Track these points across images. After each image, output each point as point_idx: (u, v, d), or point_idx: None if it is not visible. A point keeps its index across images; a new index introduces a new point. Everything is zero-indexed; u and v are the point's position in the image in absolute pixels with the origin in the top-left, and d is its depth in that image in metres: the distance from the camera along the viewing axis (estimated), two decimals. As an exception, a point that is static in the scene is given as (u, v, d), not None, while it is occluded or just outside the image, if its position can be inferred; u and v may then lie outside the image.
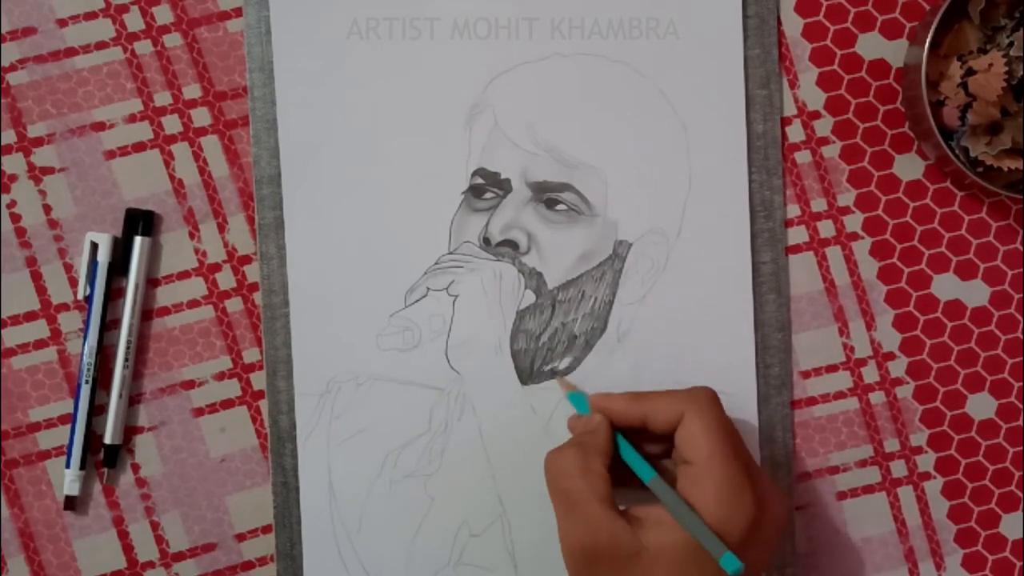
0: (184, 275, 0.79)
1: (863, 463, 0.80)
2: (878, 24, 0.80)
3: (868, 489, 0.80)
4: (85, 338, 0.78)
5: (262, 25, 0.78)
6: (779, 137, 0.79)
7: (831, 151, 0.80)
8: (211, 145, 0.79)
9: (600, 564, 0.67)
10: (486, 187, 0.78)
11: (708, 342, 0.79)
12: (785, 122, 0.80)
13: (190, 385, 0.79)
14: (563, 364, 0.78)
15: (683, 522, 0.66)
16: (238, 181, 0.79)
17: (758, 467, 0.70)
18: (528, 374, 0.78)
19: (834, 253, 0.80)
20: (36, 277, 0.79)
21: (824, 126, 0.80)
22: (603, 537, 0.66)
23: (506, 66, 0.78)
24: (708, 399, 0.70)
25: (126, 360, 0.78)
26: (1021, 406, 0.80)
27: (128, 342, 0.78)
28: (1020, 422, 0.80)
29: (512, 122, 0.78)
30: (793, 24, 0.80)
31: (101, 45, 0.78)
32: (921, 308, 0.80)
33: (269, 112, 0.78)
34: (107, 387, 0.78)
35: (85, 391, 0.78)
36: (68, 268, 0.79)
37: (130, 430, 0.79)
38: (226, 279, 0.79)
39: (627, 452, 0.71)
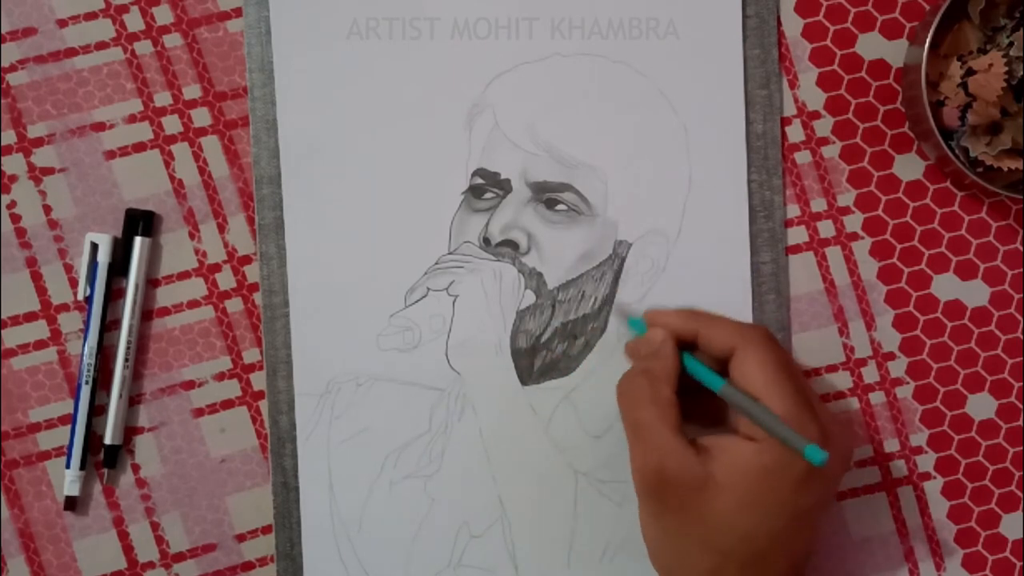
0: (184, 275, 0.79)
1: (863, 463, 0.80)
2: (878, 24, 0.80)
3: (868, 489, 0.80)
4: (85, 338, 0.78)
5: (262, 25, 0.78)
6: (779, 137, 0.79)
7: (831, 151, 0.80)
8: (211, 145, 0.79)
9: (668, 490, 0.67)
10: (486, 187, 0.78)
11: (708, 342, 0.79)
12: (785, 122, 0.80)
13: (190, 385, 0.79)
14: (563, 365, 0.79)
15: (760, 420, 0.66)
16: (238, 181, 0.79)
17: (818, 400, 0.70)
18: (528, 374, 0.78)
19: (834, 253, 0.80)
20: (36, 277, 0.79)
21: (824, 126, 0.80)
22: (672, 464, 0.66)
23: (506, 66, 0.78)
24: (762, 336, 0.69)
25: (126, 360, 0.78)
26: (1021, 406, 0.80)
27: (128, 342, 0.78)
28: (1020, 422, 0.80)
29: (512, 122, 0.78)
30: (793, 24, 0.80)
31: (101, 45, 0.78)
32: (921, 308, 0.80)
33: (269, 112, 0.78)
34: (107, 387, 0.78)
35: (85, 391, 0.78)
36: (68, 268, 0.79)
37: (130, 430, 0.79)
38: (226, 279, 0.79)
39: (694, 366, 0.70)
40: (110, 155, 0.79)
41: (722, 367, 0.70)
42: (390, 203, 0.78)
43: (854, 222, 0.80)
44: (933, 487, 0.81)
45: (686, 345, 0.72)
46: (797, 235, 0.80)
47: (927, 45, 0.74)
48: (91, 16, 0.78)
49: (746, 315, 0.79)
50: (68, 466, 0.78)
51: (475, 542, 0.79)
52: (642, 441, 0.68)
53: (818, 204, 0.80)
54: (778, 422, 0.65)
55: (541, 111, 0.78)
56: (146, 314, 0.79)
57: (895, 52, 0.80)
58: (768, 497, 0.66)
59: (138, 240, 0.78)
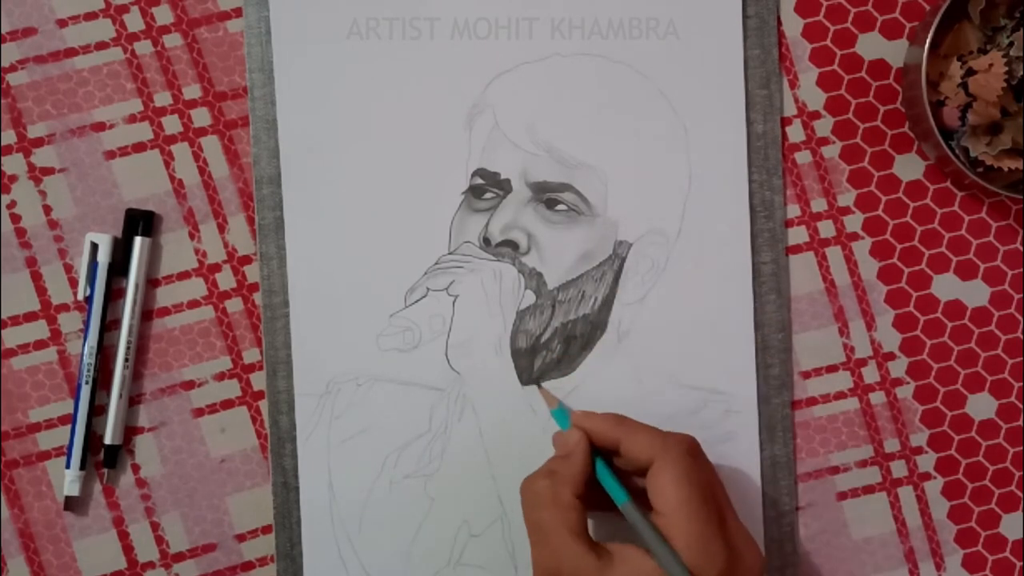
0: (184, 275, 0.79)
1: (863, 463, 0.80)
2: (878, 24, 0.80)
3: (868, 489, 0.80)
4: (85, 338, 0.78)
5: (262, 25, 0.78)
6: (779, 137, 0.79)
7: (831, 151, 0.80)
8: (211, 145, 0.79)
9: None
10: (486, 187, 0.78)
11: (708, 342, 0.78)
12: (785, 122, 0.80)
13: (190, 385, 0.79)
14: (563, 365, 0.79)
15: (654, 550, 0.66)
16: (238, 181, 0.79)
17: (733, 516, 0.70)
18: (528, 374, 0.78)
19: (834, 253, 0.80)
20: (36, 277, 0.79)
21: (824, 126, 0.80)
22: (569, 569, 0.66)
23: (506, 66, 0.78)
24: (681, 450, 0.69)
25: (126, 360, 0.78)
26: (1021, 406, 0.80)
27: (128, 342, 0.78)
28: (1020, 422, 0.81)
29: (512, 122, 0.78)
30: (793, 24, 0.80)
31: (101, 45, 0.78)
32: (921, 308, 0.80)
33: (269, 112, 0.78)
34: (107, 387, 0.78)
35: (85, 391, 0.78)
36: (68, 268, 0.79)
37: (130, 430, 0.79)
38: (226, 279, 0.79)
39: (604, 474, 0.71)
40: (110, 155, 0.79)
41: (644, 473, 0.70)
42: (390, 203, 0.78)
43: (854, 222, 0.80)
44: (933, 487, 0.81)
45: (607, 452, 0.72)
46: (797, 235, 0.80)
47: (927, 45, 0.74)
48: (91, 16, 0.78)
49: (747, 315, 0.79)
50: (68, 466, 0.78)
51: (475, 541, 0.79)
52: (541, 543, 0.68)
53: (818, 204, 0.80)
54: (668, 556, 0.65)
55: (541, 111, 0.78)
56: (146, 314, 0.79)
57: (895, 52, 0.80)
58: None
59: (138, 240, 0.78)
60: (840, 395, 0.80)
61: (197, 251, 0.79)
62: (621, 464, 0.72)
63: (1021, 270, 0.80)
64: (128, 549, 0.79)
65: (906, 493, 0.80)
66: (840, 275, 0.80)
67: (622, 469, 0.72)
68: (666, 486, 0.67)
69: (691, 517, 0.66)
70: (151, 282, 0.79)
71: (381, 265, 0.78)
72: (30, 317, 0.79)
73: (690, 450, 0.69)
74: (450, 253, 0.78)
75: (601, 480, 0.71)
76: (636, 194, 0.78)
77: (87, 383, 0.78)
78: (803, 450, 0.80)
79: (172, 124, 0.79)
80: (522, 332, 0.78)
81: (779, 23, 0.79)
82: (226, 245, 0.79)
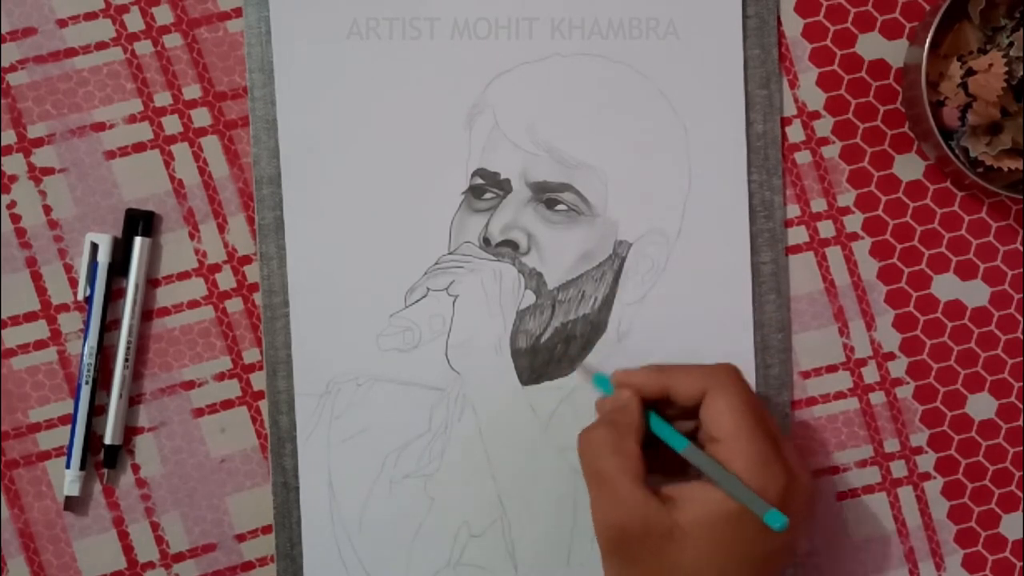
0: (184, 275, 0.79)
1: (863, 463, 0.80)
2: (878, 24, 0.80)
3: (868, 489, 0.80)
4: (85, 338, 0.78)
5: (262, 25, 0.78)
6: (779, 137, 0.79)
7: (831, 151, 0.80)
8: (211, 145, 0.79)
9: (632, 543, 0.66)
10: (486, 187, 0.78)
11: (708, 342, 0.78)
12: (785, 122, 0.80)
13: (190, 385, 0.79)
14: (563, 365, 0.79)
15: (722, 483, 0.66)
16: (238, 181, 0.79)
17: (785, 439, 0.70)
18: (528, 374, 0.78)
19: (834, 253, 0.80)
20: (36, 278, 0.79)
21: (824, 126, 0.80)
22: (635, 516, 0.66)
23: (506, 66, 0.78)
24: (730, 376, 0.70)
25: (126, 360, 0.78)
26: (1021, 406, 0.80)
27: (128, 342, 0.78)
28: (1020, 422, 0.81)
29: (512, 122, 0.78)
30: (793, 24, 0.80)
31: (101, 45, 0.78)
32: (921, 308, 0.80)
33: (269, 112, 0.78)
34: (107, 387, 0.78)
35: (85, 391, 0.78)
36: (68, 269, 0.79)
37: (130, 430, 0.79)
38: (226, 279, 0.79)
39: (659, 425, 0.71)
40: (110, 155, 0.79)
41: (692, 414, 0.70)
42: (390, 203, 0.78)
43: (854, 222, 0.80)
44: (933, 487, 0.81)
45: (655, 403, 0.72)
46: (797, 235, 0.80)
47: (927, 45, 0.74)
48: (91, 16, 0.78)
49: (746, 315, 0.79)
50: (68, 466, 0.78)
51: (475, 541, 0.79)
52: (603, 493, 0.68)
53: (818, 204, 0.80)
54: (738, 486, 0.65)
55: (541, 111, 0.78)
56: (146, 314, 0.79)
57: (895, 52, 0.80)
58: (734, 544, 0.66)
59: (138, 240, 0.78)
60: (840, 395, 0.80)
61: (197, 251, 0.79)
62: (667, 414, 0.72)
63: (1021, 270, 0.80)
64: (128, 549, 0.79)
65: (906, 493, 0.80)
66: (840, 275, 0.80)
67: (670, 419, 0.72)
68: (722, 413, 0.68)
69: (750, 439, 0.67)
70: (151, 282, 0.79)
71: (381, 265, 0.78)
72: (30, 317, 0.79)
73: (738, 376, 0.70)
74: (450, 253, 0.78)
75: (656, 431, 0.70)
76: (636, 194, 0.78)
77: (87, 383, 0.78)
78: (803, 450, 0.80)
79: (172, 124, 0.79)
80: (522, 332, 0.78)
81: (779, 23, 0.79)
82: (226, 245, 0.79)
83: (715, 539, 0.66)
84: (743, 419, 0.67)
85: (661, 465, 0.70)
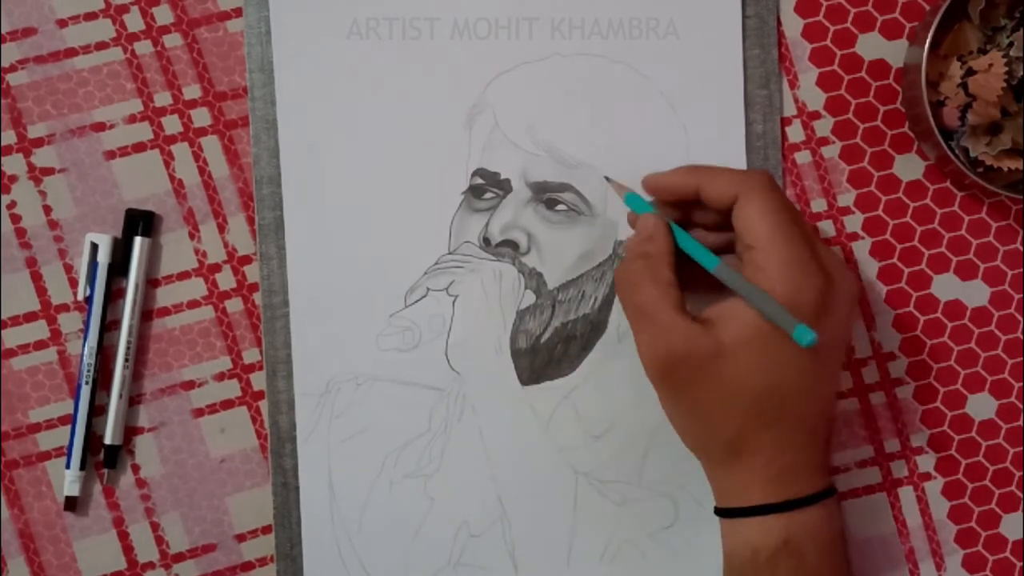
0: (184, 275, 0.79)
1: (863, 463, 0.80)
2: (878, 24, 0.80)
3: (868, 489, 0.80)
4: (85, 339, 0.78)
5: (262, 25, 0.78)
6: (779, 138, 0.79)
7: (831, 151, 0.80)
8: (211, 145, 0.79)
9: (681, 370, 0.67)
10: (486, 187, 0.78)
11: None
12: (785, 122, 0.80)
13: (190, 386, 0.79)
14: (563, 365, 0.79)
15: (752, 300, 0.66)
16: (238, 181, 0.79)
17: (822, 243, 0.69)
18: (528, 374, 0.78)
19: (834, 253, 0.80)
20: (36, 278, 0.79)
21: (824, 126, 0.80)
22: (680, 343, 0.66)
23: (506, 66, 0.78)
24: (763, 182, 0.68)
25: (126, 361, 0.78)
26: (1021, 406, 0.80)
27: (128, 343, 0.78)
28: (1020, 422, 0.80)
29: (512, 122, 0.78)
30: (793, 24, 0.80)
31: (101, 46, 0.78)
32: (921, 308, 0.80)
33: (269, 112, 0.78)
34: (107, 388, 0.78)
35: (85, 392, 0.78)
36: (68, 269, 0.79)
37: (130, 431, 0.79)
38: (226, 279, 0.79)
39: (688, 243, 0.70)
40: (110, 155, 0.79)
41: (725, 219, 0.70)
42: (390, 203, 0.78)
43: (854, 222, 0.80)
44: (933, 487, 0.81)
45: (685, 206, 0.72)
46: (797, 235, 0.80)
47: (927, 45, 0.74)
48: (91, 16, 0.78)
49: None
50: (68, 466, 0.78)
51: (474, 542, 0.79)
52: (647, 325, 0.68)
53: (818, 204, 0.80)
54: (770, 301, 0.65)
55: (541, 111, 0.78)
56: (146, 314, 0.79)
57: (895, 52, 0.80)
58: (779, 354, 0.66)
59: (138, 240, 0.78)
60: (840, 395, 0.80)
61: (197, 251, 0.79)
62: (699, 219, 0.72)
63: (1021, 270, 0.80)
64: (128, 549, 0.79)
65: (906, 493, 0.80)
66: (840, 275, 0.80)
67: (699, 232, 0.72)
68: (755, 217, 0.67)
69: (785, 242, 0.66)
70: (151, 282, 0.79)
71: (381, 265, 0.78)
72: (30, 317, 0.79)
73: (771, 181, 0.69)
74: (450, 253, 0.78)
75: (687, 249, 0.70)
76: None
77: (87, 383, 0.78)
78: (803, 450, 0.80)
79: (172, 124, 0.79)
80: (522, 332, 0.78)
81: (779, 23, 0.79)
82: (226, 245, 0.79)
83: (758, 349, 0.66)
84: (777, 223, 0.67)
85: (697, 282, 0.70)
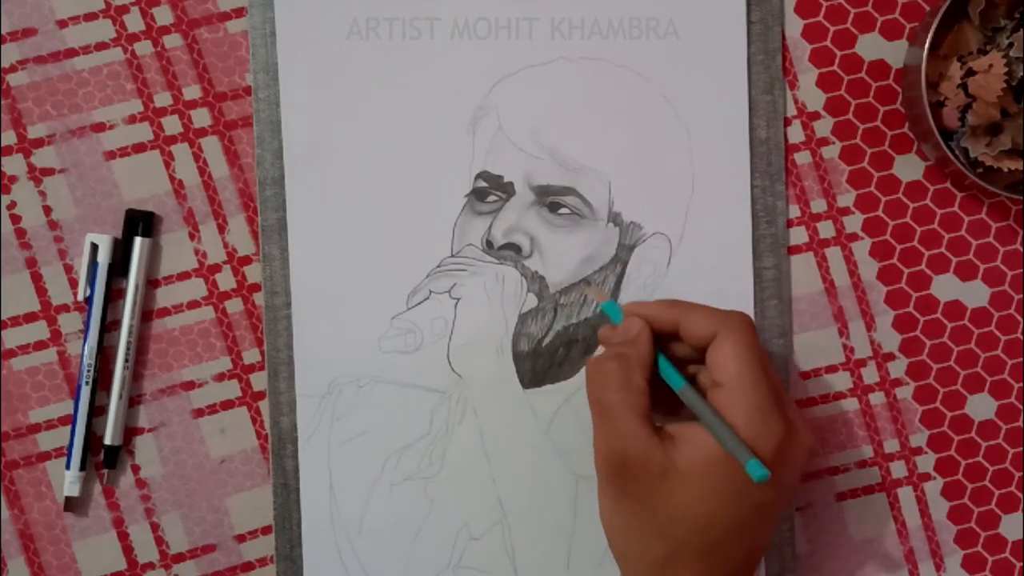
0: (184, 276, 0.79)
1: (863, 464, 0.80)
2: (878, 25, 0.80)
3: (868, 490, 0.80)
4: (85, 339, 0.78)
5: (267, 26, 0.78)
6: (782, 143, 0.79)
7: (831, 152, 0.80)
8: (211, 146, 0.79)
9: (629, 477, 0.67)
10: (489, 190, 0.78)
11: (709, 344, 0.79)
12: (785, 123, 0.80)
13: (190, 386, 0.79)
14: (565, 368, 0.79)
15: (711, 427, 0.66)
16: (238, 182, 0.79)
17: (785, 394, 0.70)
18: (529, 377, 0.78)
19: (834, 254, 0.80)
20: (36, 278, 0.78)
21: (824, 127, 0.80)
22: (634, 450, 0.66)
23: (510, 69, 0.78)
24: (742, 323, 0.69)
25: (126, 361, 0.78)
26: (1021, 407, 0.81)
27: (128, 343, 0.78)
28: (1020, 423, 0.81)
29: (516, 125, 0.78)
30: (793, 25, 0.80)
31: (101, 46, 0.78)
32: (921, 309, 0.80)
33: (273, 114, 0.78)
34: (107, 388, 0.78)
35: (85, 392, 0.78)
36: (68, 269, 0.79)
37: (130, 431, 0.79)
38: (226, 280, 0.79)
39: (661, 362, 0.70)
40: (110, 156, 0.78)
41: (701, 355, 0.70)
42: (393, 205, 0.78)
43: (854, 223, 0.80)
44: (933, 488, 0.81)
45: (663, 338, 0.71)
46: (797, 236, 0.80)
47: (927, 46, 0.74)
48: (91, 16, 0.78)
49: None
50: (68, 467, 0.78)
51: (475, 544, 0.79)
52: (607, 424, 0.68)
53: (818, 205, 0.80)
54: (727, 432, 0.65)
55: (545, 115, 0.78)
56: (146, 314, 0.79)
57: (895, 53, 0.80)
58: (728, 488, 0.66)
59: (138, 240, 0.78)
60: (840, 395, 0.80)
61: (197, 252, 0.79)
62: (676, 351, 0.72)
63: (1021, 270, 0.80)
64: (128, 550, 0.79)
65: (906, 493, 0.81)
66: (840, 276, 0.80)
67: (675, 360, 0.72)
68: (728, 357, 0.67)
69: (752, 387, 0.66)
70: (151, 283, 0.79)
71: (384, 267, 0.78)
72: (30, 318, 0.79)
73: (749, 325, 0.69)
74: (453, 256, 0.78)
75: (659, 367, 0.70)
76: (639, 198, 0.78)
77: (87, 384, 0.78)
78: (803, 450, 0.80)
79: (172, 125, 0.79)
80: (524, 335, 0.78)
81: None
82: (226, 246, 0.79)
83: (709, 481, 0.66)
84: (748, 367, 0.67)
85: (667, 401, 0.70)
